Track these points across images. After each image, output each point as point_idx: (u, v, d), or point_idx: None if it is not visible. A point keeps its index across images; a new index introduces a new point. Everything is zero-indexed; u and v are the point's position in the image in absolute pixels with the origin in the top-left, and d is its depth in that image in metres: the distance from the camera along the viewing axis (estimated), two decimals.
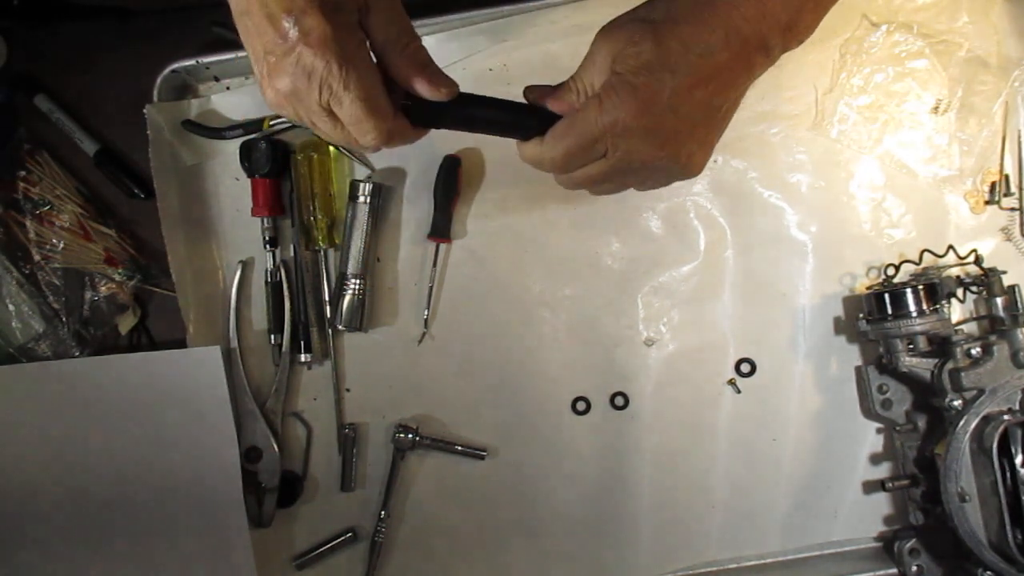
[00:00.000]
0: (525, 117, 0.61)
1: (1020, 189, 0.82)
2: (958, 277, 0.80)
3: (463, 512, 0.84)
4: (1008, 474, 0.72)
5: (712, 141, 0.60)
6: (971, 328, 0.81)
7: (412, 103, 0.59)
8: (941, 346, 0.77)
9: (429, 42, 0.80)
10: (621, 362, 0.84)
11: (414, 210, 0.84)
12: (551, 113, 0.60)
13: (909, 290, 0.77)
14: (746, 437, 0.83)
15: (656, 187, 0.64)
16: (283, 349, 0.82)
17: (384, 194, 0.84)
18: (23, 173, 0.84)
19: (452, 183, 0.82)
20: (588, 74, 0.58)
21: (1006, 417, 0.73)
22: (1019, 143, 0.83)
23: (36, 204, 0.84)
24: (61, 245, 0.83)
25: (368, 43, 0.56)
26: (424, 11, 0.80)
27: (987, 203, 0.83)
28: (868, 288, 0.82)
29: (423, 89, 0.57)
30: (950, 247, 0.80)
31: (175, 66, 0.81)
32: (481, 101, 0.61)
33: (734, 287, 0.83)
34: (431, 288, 0.83)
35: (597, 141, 0.57)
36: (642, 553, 0.84)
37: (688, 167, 0.60)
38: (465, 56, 0.82)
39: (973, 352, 0.76)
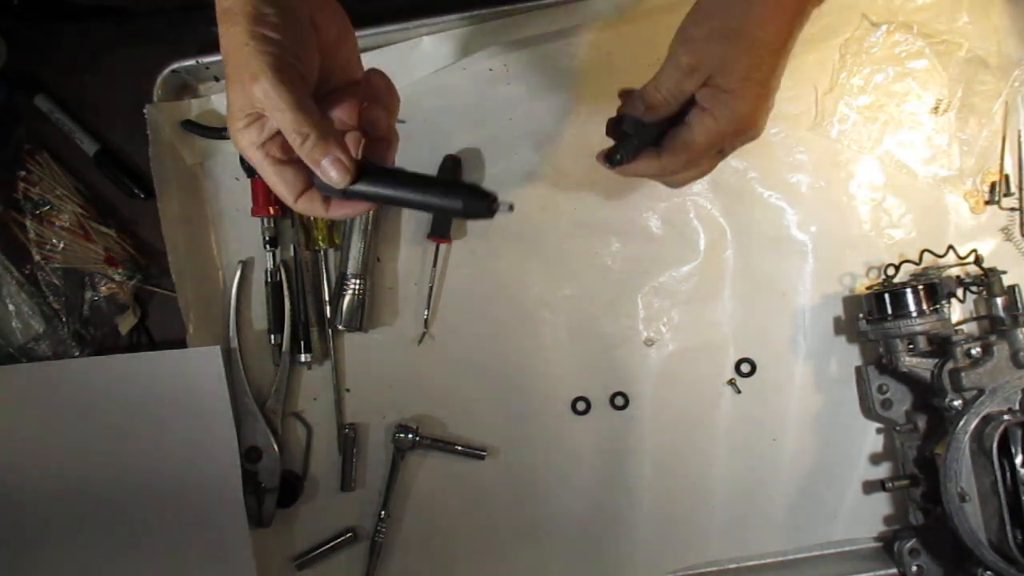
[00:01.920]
0: (450, 198, 0.56)
1: (1020, 189, 0.82)
2: (958, 277, 0.80)
3: (463, 512, 0.84)
4: (1008, 474, 0.72)
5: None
6: (971, 328, 0.81)
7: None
8: (941, 346, 0.77)
9: (429, 42, 0.81)
10: (621, 362, 0.84)
11: (414, 211, 0.84)
12: (479, 191, 0.56)
13: (909, 290, 0.77)
14: (746, 437, 0.83)
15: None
16: (283, 349, 0.82)
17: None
18: (23, 173, 0.84)
19: None
20: (673, 81, 0.62)
21: (1006, 417, 0.73)
22: (1019, 143, 0.83)
23: (36, 204, 0.84)
24: (61, 245, 0.83)
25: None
26: (424, 11, 0.80)
27: (987, 203, 0.83)
28: (868, 288, 0.82)
29: (323, 177, 0.56)
30: (950, 247, 0.80)
31: (175, 66, 0.81)
32: (400, 180, 0.57)
33: (734, 287, 0.83)
34: (431, 288, 0.83)
35: (717, 147, 0.63)
36: (642, 553, 0.84)
37: (762, 131, 0.65)
38: (465, 56, 0.82)
39: (973, 352, 0.76)
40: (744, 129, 0.62)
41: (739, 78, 0.60)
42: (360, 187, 0.56)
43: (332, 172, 0.54)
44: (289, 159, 0.56)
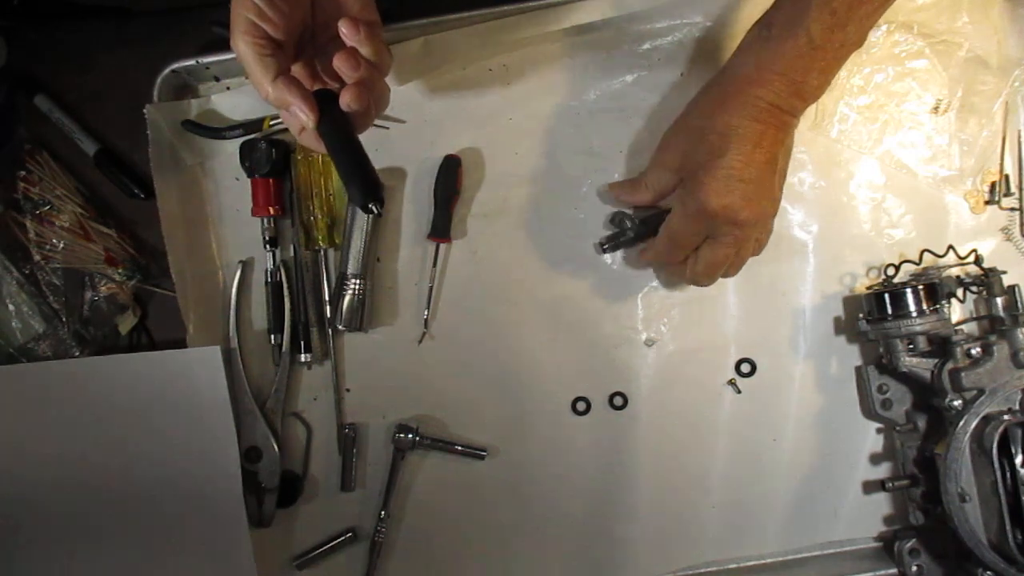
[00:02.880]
0: (348, 185, 0.63)
1: (1020, 189, 0.83)
2: (958, 277, 0.80)
3: (463, 512, 0.84)
4: (1008, 474, 0.73)
5: (777, 193, 0.72)
6: (971, 328, 0.81)
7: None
8: (941, 346, 0.77)
9: (429, 42, 0.80)
10: (621, 362, 0.84)
11: (414, 210, 0.84)
12: (369, 188, 0.63)
13: (909, 290, 0.77)
14: (746, 437, 0.83)
15: (759, 246, 0.76)
16: (283, 349, 0.82)
17: (384, 194, 0.83)
18: (23, 173, 0.84)
19: (452, 183, 0.82)
20: (657, 177, 0.76)
21: (1006, 417, 0.73)
22: (1019, 143, 0.83)
23: (36, 204, 0.84)
24: (61, 245, 0.83)
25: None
26: (424, 11, 0.80)
27: (987, 203, 0.83)
28: (868, 288, 0.82)
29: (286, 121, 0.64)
30: (950, 247, 0.80)
31: (175, 66, 0.81)
32: (335, 146, 0.63)
33: (734, 287, 0.83)
34: (431, 288, 0.83)
35: (695, 232, 0.72)
36: (642, 553, 0.84)
37: (765, 218, 0.73)
38: (465, 56, 0.82)
39: (973, 352, 0.76)
40: (716, 215, 0.68)
41: (699, 168, 0.69)
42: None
43: (292, 120, 0.62)
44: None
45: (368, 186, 0.61)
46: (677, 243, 0.74)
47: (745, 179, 0.67)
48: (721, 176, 0.67)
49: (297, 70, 0.65)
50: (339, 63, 0.61)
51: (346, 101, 0.61)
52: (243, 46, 0.60)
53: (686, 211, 0.71)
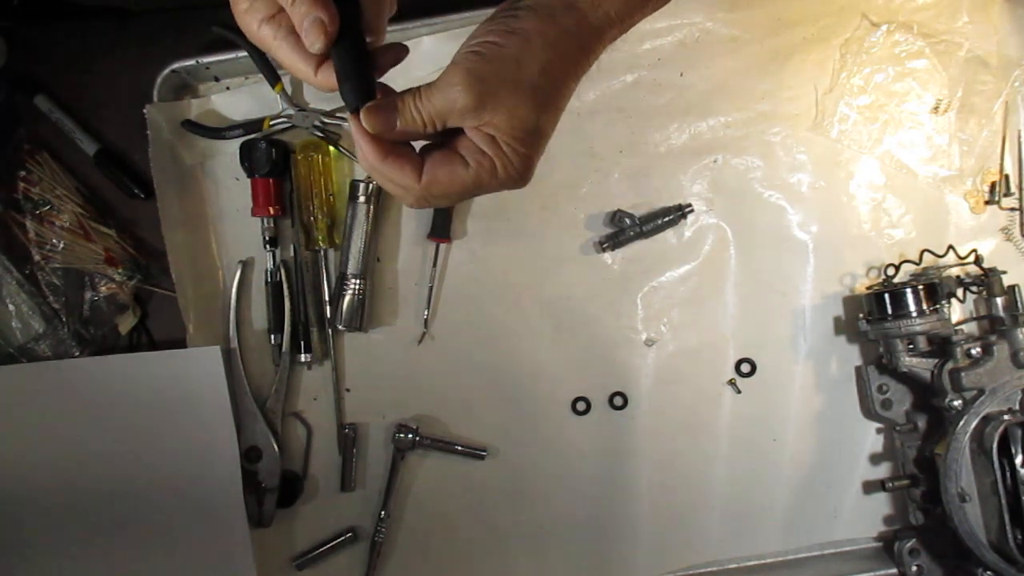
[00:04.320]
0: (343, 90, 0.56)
1: (1020, 189, 0.82)
2: (958, 277, 0.80)
3: (463, 512, 0.84)
4: (1008, 474, 0.72)
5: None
6: (971, 328, 0.81)
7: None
8: (941, 346, 0.77)
9: (429, 42, 0.80)
10: (621, 362, 0.84)
11: (414, 210, 0.84)
12: (363, 90, 0.55)
13: (909, 290, 0.77)
14: (746, 437, 0.83)
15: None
16: (283, 349, 0.82)
17: (384, 194, 0.84)
18: (23, 173, 0.84)
19: None
20: (441, 110, 0.55)
21: (1006, 417, 0.73)
22: (1019, 143, 0.83)
23: (36, 204, 0.84)
24: (61, 245, 0.83)
25: None
26: (424, 11, 0.80)
27: (987, 203, 0.83)
28: (868, 288, 0.82)
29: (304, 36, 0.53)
30: (950, 247, 0.80)
31: (175, 66, 0.81)
32: (344, 58, 0.55)
33: (734, 287, 0.83)
34: (431, 288, 0.83)
35: (483, 192, 0.58)
36: (642, 553, 0.84)
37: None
38: None
39: (973, 352, 0.76)
40: (511, 185, 0.57)
41: (527, 134, 0.56)
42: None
43: (309, 38, 0.52)
44: (287, 32, 0.54)
45: (365, 88, 0.55)
46: (458, 196, 0.59)
47: (546, 137, 0.59)
48: (539, 148, 0.59)
49: None
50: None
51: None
52: None
53: (491, 182, 0.58)
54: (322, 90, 0.57)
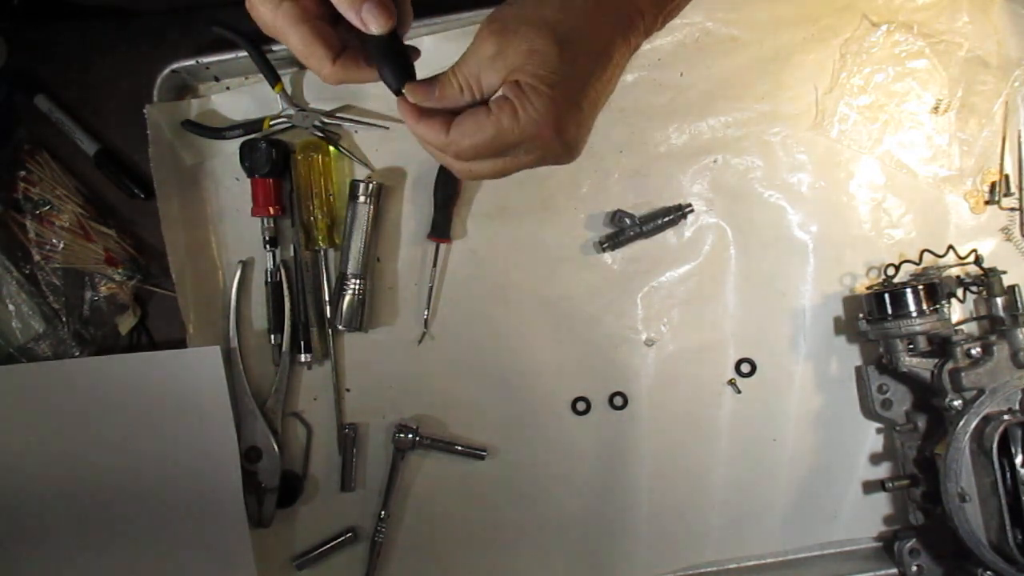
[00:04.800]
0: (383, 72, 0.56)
1: (1020, 189, 0.83)
2: (958, 277, 0.80)
3: (463, 512, 0.84)
4: (1008, 474, 0.73)
5: (591, 122, 0.58)
6: (971, 328, 0.81)
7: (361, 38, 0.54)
8: (941, 346, 0.78)
9: (429, 42, 0.80)
10: (621, 362, 0.84)
11: (414, 210, 0.84)
12: (403, 70, 0.55)
13: (909, 290, 0.77)
14: (746, 437, 0.83)
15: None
16: (283, 349, 0.82)
17: (384, 194, 0.84)
18: (23, 173, 0.84)
19: (452, 183, 0.82)
20: (473, 69, 0.54)
21: (1006, 417, 0.73)
22: (1019, 143, 0.83)
23: (36, 204, 0.84)
24: (61, 245, 0.83)
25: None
26: (424, 11, 0.80)
27: (987, 203, 0.83)
28: (868, 288, 0.82)
29: (362, 24, 0.52)
30: (950, 247, 0.80)
31: (175, 66, 0.81)
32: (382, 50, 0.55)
33: (734, 287, 0.83)
34: (431, 288, 0.83)
35: (513, 146, 0.55)
36: (642, 552, 0.84)
37: (574, 152, 0.58)
38: None
39: (973, 352, 0.76)
40: (542, 136, 0.54)
41: (550, 73, 0.53)
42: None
43: (372, 17, 0.51)
44: (307, 17, 0.53)
45: (407, 67, 0.56)
46: (490, 152, 0.58)
47: (583, 107, 0.57)
48: (574, 98, 0.56)
49: None
50: None
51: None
52: None
53: (518, 127, 0.55)
54: (330, 83, 0.56)
